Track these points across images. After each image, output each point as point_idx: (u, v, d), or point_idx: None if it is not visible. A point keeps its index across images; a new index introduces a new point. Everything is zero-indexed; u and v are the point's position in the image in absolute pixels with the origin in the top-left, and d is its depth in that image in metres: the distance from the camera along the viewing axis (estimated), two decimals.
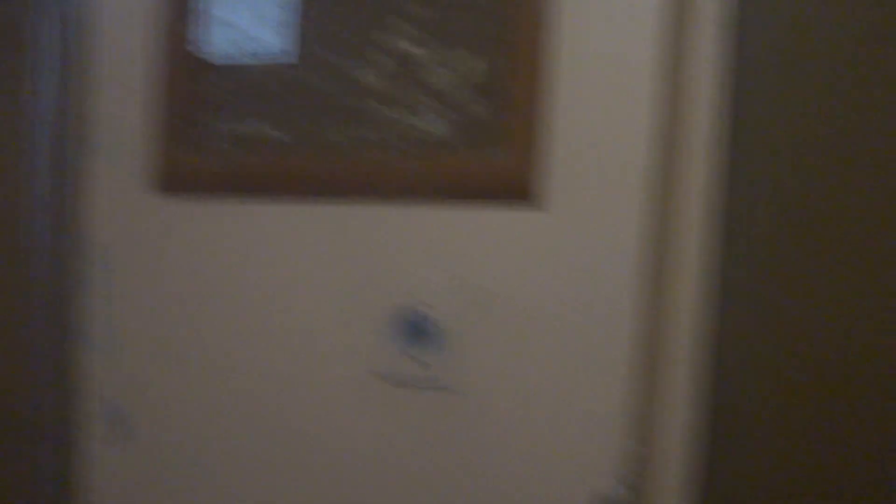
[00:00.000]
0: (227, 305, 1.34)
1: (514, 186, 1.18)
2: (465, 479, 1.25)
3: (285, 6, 1.26)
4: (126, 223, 1.39)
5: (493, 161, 1.20)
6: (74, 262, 1.42)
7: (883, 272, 1.31)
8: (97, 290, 1.42)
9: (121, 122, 1.39)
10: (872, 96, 1.26)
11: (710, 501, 1.48)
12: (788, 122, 1.33)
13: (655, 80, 1.14)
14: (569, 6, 1.16)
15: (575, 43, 1.16)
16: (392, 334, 1.23)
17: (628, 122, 1.15)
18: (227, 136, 1.32)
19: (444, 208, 1.22)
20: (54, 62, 1.42)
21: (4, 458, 1.52)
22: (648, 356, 1.25)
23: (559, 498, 1.22)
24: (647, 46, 1.14)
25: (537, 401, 1.21)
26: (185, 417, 1.38)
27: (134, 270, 1.39)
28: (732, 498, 1.48)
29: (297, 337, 1.31)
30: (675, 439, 1.43)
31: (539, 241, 1.18)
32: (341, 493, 1.32)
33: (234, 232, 1.33)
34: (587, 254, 1.17)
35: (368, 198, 1.25)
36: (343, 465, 1.31)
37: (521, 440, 1.22)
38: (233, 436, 1.35)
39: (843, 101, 1.28)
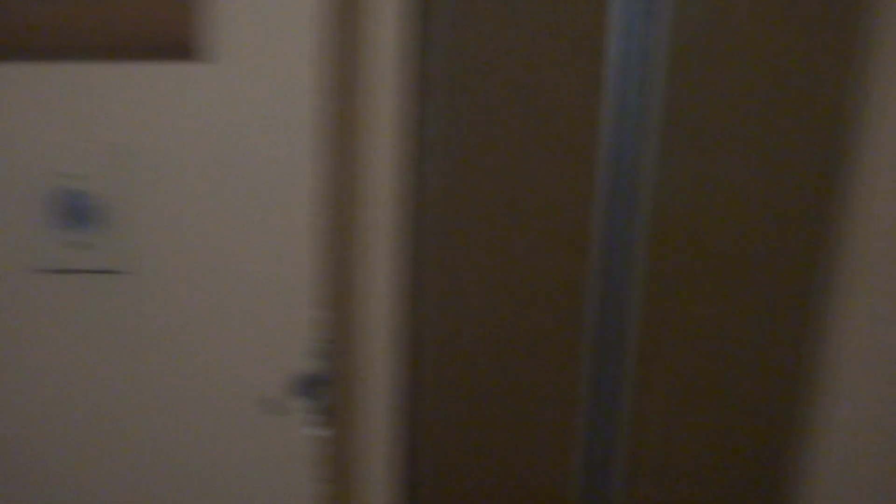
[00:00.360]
0: None
1: (173, 38, 1.05)
2: (144, 364, 1.13)
3: None
4: None
5: (149, 11, 1.06)
6: None
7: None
8: None
9: None
10: None
11: (413, 370, 1.47)
12: None
13: None
14: None
15: None
16: (46, 219, 1.08)
17: None
18: None
19: (94, 65, 1.07)
20: None
21: None
22: (339, 220, 1.17)
23: (253, 378, 1.13)
24: None
25: (219, 275, 1.11)
26: None
27: None
28: (436, 368, 1.48)
29: None
30: (374, 308, 1.39)
31: (207, 98, 1.06)
32: (17, 388, 1.19)
33: None
34: (260, 109, 1.06)
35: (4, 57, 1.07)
36: (15, 364, 1.20)
37: (206, 319, 1.12)
38: None
39: None
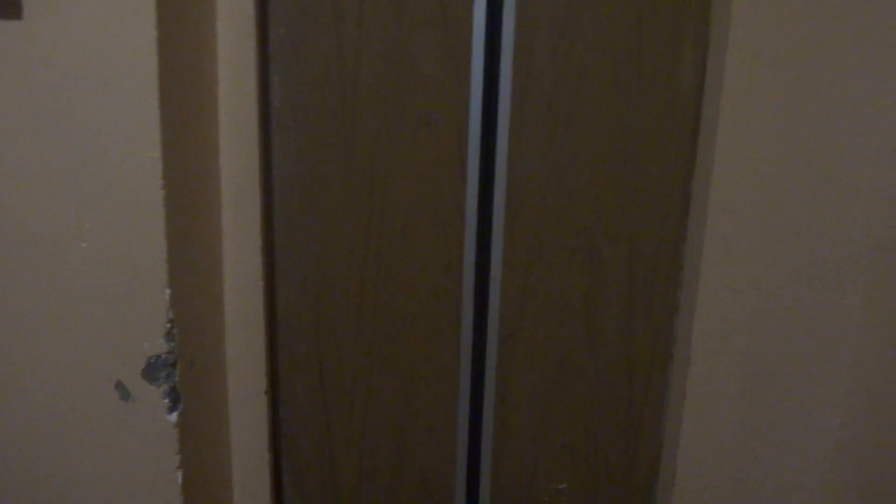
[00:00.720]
0: None
1: None
2: None
3: None
4: None
5: None
6: None
7: None
8: None
9: None
10: None
11: (278, 351, 1.42)
12: None
13: None
14: None
15: None
16: None
17: None
18: None
19: None
20: None
21: None
22: (185, 191, 1.10)
23: (98, 362, 1.05)
24: None
25: (57, 252, 1.02)
26: None
27: None
28: (304, 347, 1.44)
29: None
30: (231, 286, 1.33)
31: (21, 56, 0.96)
32: None
33: None
34: (91, 71, 0.97)
35: None
36: None
37: (39, 297, 1.03)
38: None
39: None
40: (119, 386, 1.12)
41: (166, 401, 1.12)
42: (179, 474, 1.14)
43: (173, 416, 1.13)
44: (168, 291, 1.07)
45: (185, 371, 1.14)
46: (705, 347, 1.41)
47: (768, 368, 1.39)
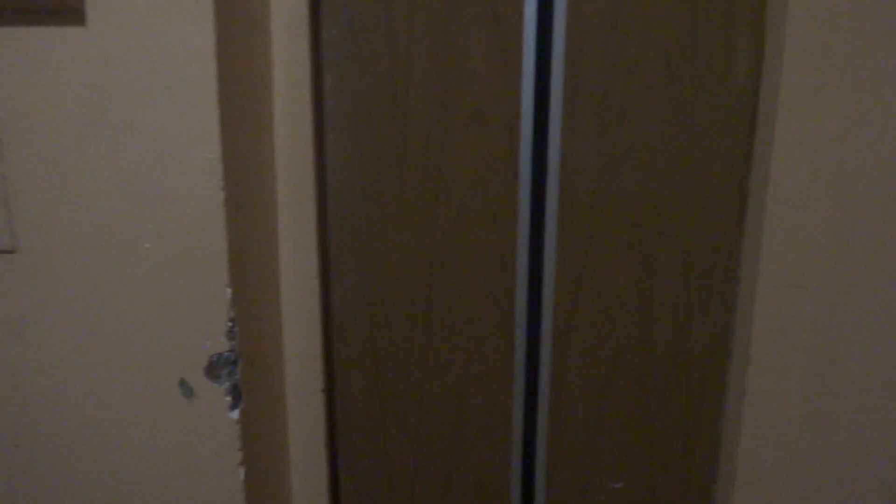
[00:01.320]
0: None
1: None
2: (38, 349, 1.07)
3: None
4: None
5: None
6: None
7: None
8: None
9: None
10: None
11: (336, 350, 1.44)
12: None
13: None
14: None
15: None
16: None
17: None
18: None
19: None
20: None
21: None
22: (245, 194, 1.12)
23: (162, 360, 1.08)
24: None
25: (122, 254, 1.05)
26: None
27: None
28: (361, 346, 1.45)
29: None
30: (289, 286, 1.35)
31: (86, 63, 0.98)
32: None
33: None
34: (150, 75, 0.99)
35: None
36: None
37: (102, 299, 1.06)
38: None
39: None
40: (183, 384, 1.14)
41: (228, 398, 1.14)
42: (241, 470, 1.16)
43: (235, 413, 1.15)
44: (229, 291, 1.09)
45: (246, 369, 1.16)
46: (765, 344, 1.38)
47: (832, 366, 1.35)
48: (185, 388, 1.14)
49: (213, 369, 1.13)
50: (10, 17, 1.02)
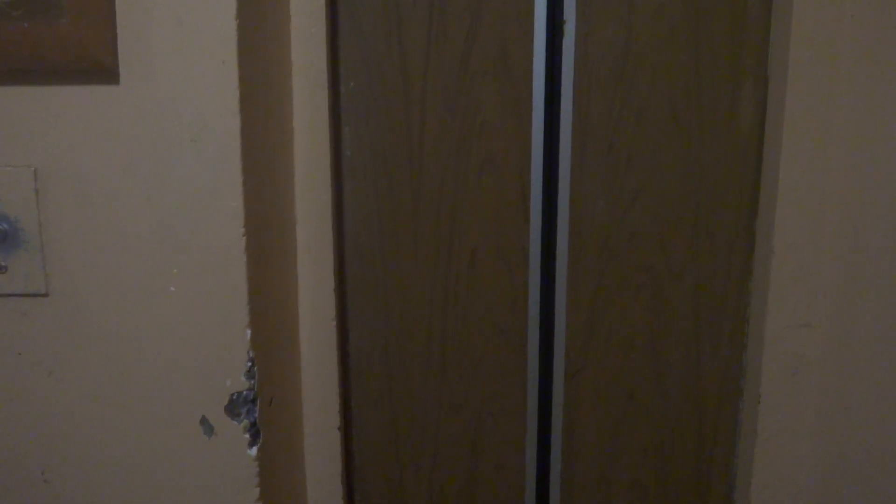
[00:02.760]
0: None
1: (89, 59, 1.05)
2: (66, 387, 1.12)
3: None
4: None
5: (64, 32, 1.05)
6: None
7: None
8: None
9: None
10: None
11: (352, 388, 1.48)
12: None
13: None
14: None
15: None
16: None
17: None
18: None
19: (8, 88, 1.06)
20: None
21: None
22: (266, 238, 1.18)
23: (184, 398, 1.13)
24: None
25: (143, 296, 1.10)
26: None
27: None
28: (377, 385, 1.49)
29: None
30: (307, 326, 1.40)
31: (125, 120, 1.06)
32: None
33: None
34: (179, 130, 1.06)
35: None
36: None
37: (130, 341, 1.11)
38: None
39: None
40: (203, 421, 1.18)
41: (247, 436, 1.18)
42: None
43: (253, 451, 1.19)
44: (249, 332, 1.14)
45: (265, 407, 1.20)
46: (776, 384, 1.39)
47: (845, 405, 1.37)
48: (206, 426, 1.18)
49: (233, 407, 1.18)
50: (50, 76, 1.09)
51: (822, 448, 1.40)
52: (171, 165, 1.10)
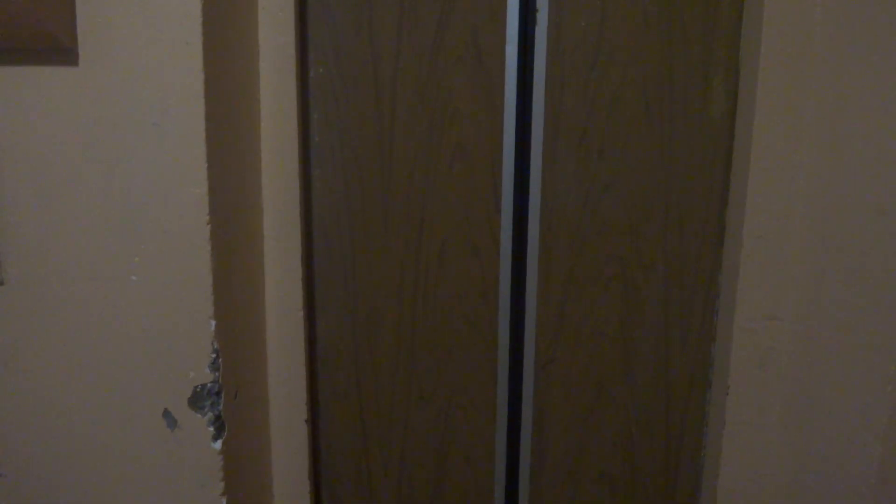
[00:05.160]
0: None
1: (45, 39, 1.00)
2: (24, 379, 1.08)
3: None
4: None
5: (9, 8, 1.01)
6: None
7: None
8: None
9: None
10: None
11: (320, 380, 1.46)
12: None
13: None
14: None
15: None
16: None
17: None
18: None
19: None
20: None
21: None
22: (231, 227, 1.15)
23: (146, 390, 1.09)
24: None
25: (109, 287, 1.07)
26: None
27: None
28: (346, 376, 1.47)
29: None
30: (273, 317, 1.37)
31: (82, 102, 1.02)
32: None
33: None
34: (139, 113, 1.03)
35: None
36: None
37: (90, 329, 1.08)
38: None
39: None
40: (166, 414, 1.16)
41: (211, 429, 1.16)
42: (224, 500, 1.17)
43: (218, 444, 1.16)
44: (213, 323, 1.12)
45: (230, 400, 1.18)
46: (743, 376, 1.40)
47: (810, 397, 1.38)
48: (169, 419, 1.15)
49: (197, 400, 1.15)
50: (6, 56, 1.05)
51: (788, 438, 1.41)
52: (133, 150, 1.06)
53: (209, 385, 1.14)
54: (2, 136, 1.06)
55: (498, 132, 1.41)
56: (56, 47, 1.02)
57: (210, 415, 1.15)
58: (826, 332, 1.35)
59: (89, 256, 1.10)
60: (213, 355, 1.13)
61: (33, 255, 1.10)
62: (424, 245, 1.45)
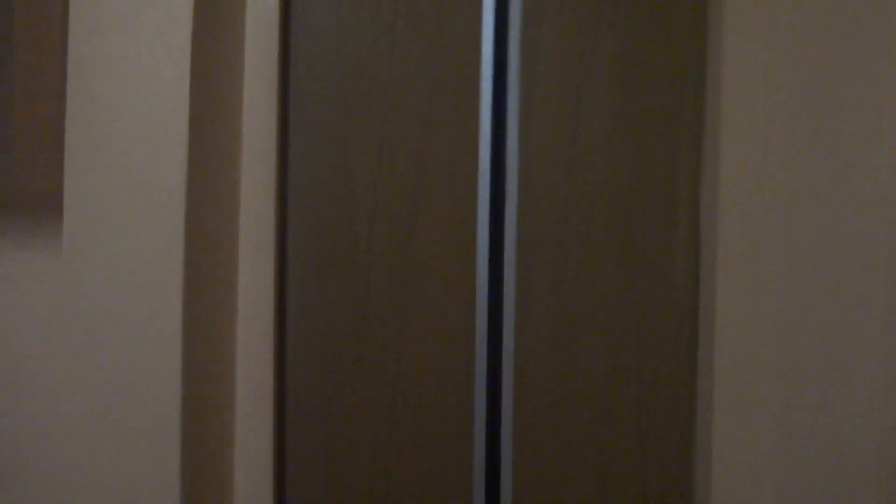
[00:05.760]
0: None
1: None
2: None
3: None
4: None
5: None
6: None
7: None
8: None
9: None
10: None
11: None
12: None
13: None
14: None
15: None
16: None
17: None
18: None
19: None
20: None
21: None
22: (201, 407, 1.14)
23: None
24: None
25: (85, 454, 1.05)
26: None
27: None
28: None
29: None
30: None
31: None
32: None
33: None
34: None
35: None
36: None
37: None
38: None
39: None
40: None
41: None
42: None
43: None
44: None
45: None
46: (728, 485, 1.42)
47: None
48: None
49: None
50: None
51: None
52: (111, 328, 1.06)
53: None
54: None
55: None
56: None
57: None
58: (804, 429, 1.37)
59: (60, 431, 1.10)
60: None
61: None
62: (401, 390, 1.45)
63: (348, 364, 1.46)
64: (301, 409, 1.48)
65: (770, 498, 1.40)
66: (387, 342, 1.45)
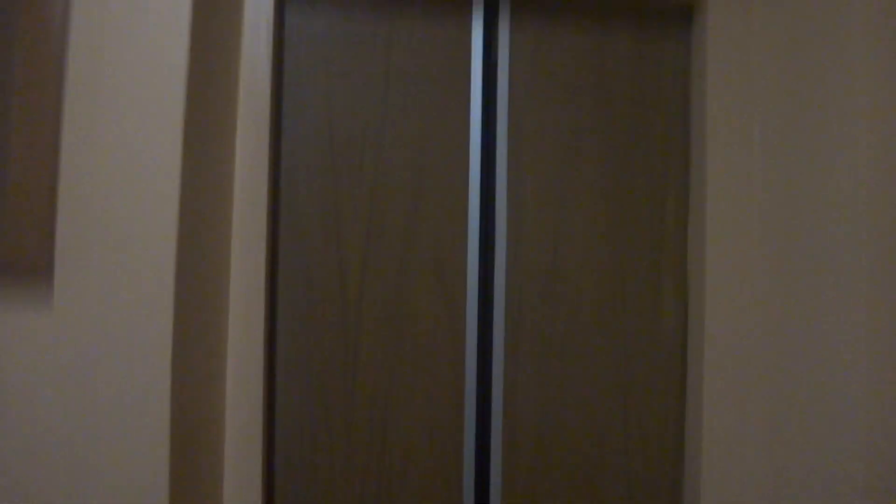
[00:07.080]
0: None
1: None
2: None
3: None
4: None
5: None
6: None
7: None
8: None
9: None
10: None
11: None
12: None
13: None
14: None
15: None
16: None
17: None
18: None
19: None
20: None
21: None
22: (188, 474, 1.14)
23: None
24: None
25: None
26: None
27: None
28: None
29: None
30: None
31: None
32: None
33: None
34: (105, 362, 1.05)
35: None
36: None
37: None
38: None
39: None
40: None
41: None
42: None
43: None
44: None
45: None
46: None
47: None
48: None
49: None
50: None
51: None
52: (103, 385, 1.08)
53: None
54: None
55: (461, 341, 1.44)
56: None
57: None
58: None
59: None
60: None
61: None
62: (388, 453, 1.45)
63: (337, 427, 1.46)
64: (289, 476, 1.47)
65: None
66: (375, 403, 1.45)
